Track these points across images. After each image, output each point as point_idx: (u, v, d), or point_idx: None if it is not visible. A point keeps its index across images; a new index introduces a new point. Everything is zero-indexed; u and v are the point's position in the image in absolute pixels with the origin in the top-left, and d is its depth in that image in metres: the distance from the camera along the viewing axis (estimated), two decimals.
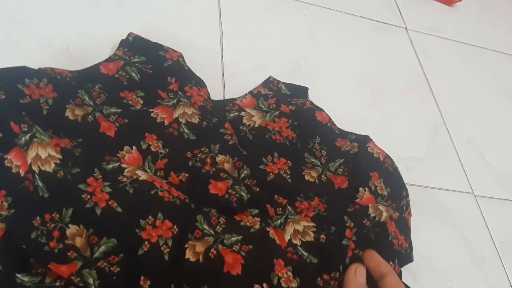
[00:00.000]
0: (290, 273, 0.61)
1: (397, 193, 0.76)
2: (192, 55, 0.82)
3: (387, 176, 0.77)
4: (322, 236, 0.67)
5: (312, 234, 0.67)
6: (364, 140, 0.81)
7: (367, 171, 0.76)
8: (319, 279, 0.62)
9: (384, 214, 0.69)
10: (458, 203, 0.88)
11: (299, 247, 0.65)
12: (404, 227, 0.74)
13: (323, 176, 0.74)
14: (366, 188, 0.73)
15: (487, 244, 0.84)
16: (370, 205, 0.70)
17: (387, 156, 0.80)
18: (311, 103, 0.86)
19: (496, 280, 0.80)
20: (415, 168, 0.87)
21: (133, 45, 0.78)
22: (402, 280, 0.67)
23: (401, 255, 0.69)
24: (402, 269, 0.69)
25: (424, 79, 1.09)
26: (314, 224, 0.68)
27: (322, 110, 0.85)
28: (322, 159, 0.76)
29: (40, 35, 0.76)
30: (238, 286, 0.57)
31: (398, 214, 0.74)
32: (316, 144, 0.78)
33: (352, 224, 0.68)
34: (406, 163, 0.86)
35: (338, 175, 0.75)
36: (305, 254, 0.64)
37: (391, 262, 0.65)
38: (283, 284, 0.59)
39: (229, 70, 0.87)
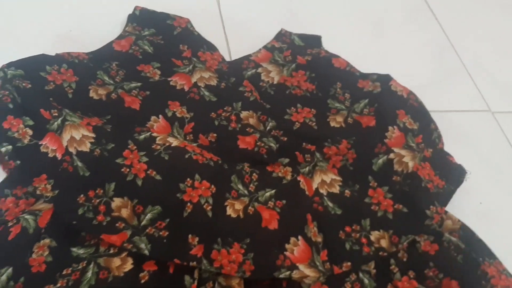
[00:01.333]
0: (316, 228, 0.62)
1: (426, 126, 0.76)
2: (192, 20, 0.82)
3: (413, 112, 0.76)
4: (347, 191, 0.68)
5: (338, 187, 0.68)
6: (385, 79, 0.80)
7: (393, 109, 0.76)
8: (341, 231, 0.63)
9: (410, 164, 0.69)
10: (476, 122, 0.88)
11: (325, 197, 0.66)
12: (442, 160, 0.74)
13: (349, 118, 0.75)
14: (394, 126, 0.73)
15: (509, 158, 0.84)
16: (394, 160, 0.70)
17: (411, 92, 0.80)
18: (326, 51, 0.85)
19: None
20: (427, 95, 0.84)
21: (141, 18, 0.79)
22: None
23: (439, 195, 0.69)
24: None
25: (426, 6, 1.06)
26: (341, 179, 0.69)
27: (338, 56, 0.84)
28: (346, 102, 0.77)
29: (41, 21, 0.78)
30: (276, 239, 0.59)
31: (431, 150, 0.74)
32: (338, 89, 0.78)
33: (376, 183, 0.68)
34: (417, 90, 0.85)
35: (365, 115, 0.75)
36: (330, 205, 0.65)
37: (432, 206, 0.66)
38: (312, 238, 0.61)
39: (230, 29, 0.87)
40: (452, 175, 0.71)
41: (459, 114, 0.88)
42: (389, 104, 0.76)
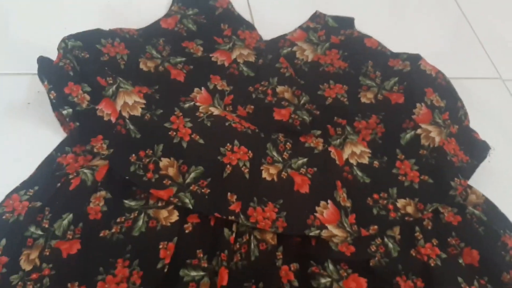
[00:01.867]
0: (345, 194, 0.67)
1: (453, 104, 0.79)
2: None
3: (441, 90, 0.80)
4: (375, 162, 0.72)
5: (367, 159, 0.72)
6: (415, 58, 0.83)
7: (422, 88, 0.79)
8: (369, 198, 0.68)
9: (437, 139, 0.73)
10: (487, 89, 0.92)
11: (354, 167, 0.70)
12: (467, 137, 0.77)
13: (379, 95, 0.79)
14: (422, 104, 0.76)
15: None
16: (421, 135, 0.73)
17: (439, 72, 0.83)
18: (359, 32, 0.89)
19: None
20: (441, 63, 0.86)
21: None
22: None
23: (463, 169, 0.72)
24: None
25: None
26: (370, 151, 0.73)
27: (370, 36, 0.88)
28: (377, 79, 0.80)
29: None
30: (307, 202, 0.64)
31: (457, 126, 0.77)
32: (370, 68, 0.82)
33: (403, 156, 0.72)
34: (430, 59, 0.86)
35: (394, 92, 0.79)
36: (359, 174, 0.70)
37: (456, 178, 0.70)
38: (341, 203, 0.66)
39: (256, 13, 0.92)
40: (476, 150, 0.74)
41: (470, 81, 0.91)
42: (417, 82, 0.79)
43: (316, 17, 0.91)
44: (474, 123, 0.80)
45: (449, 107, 0.78)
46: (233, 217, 0.60)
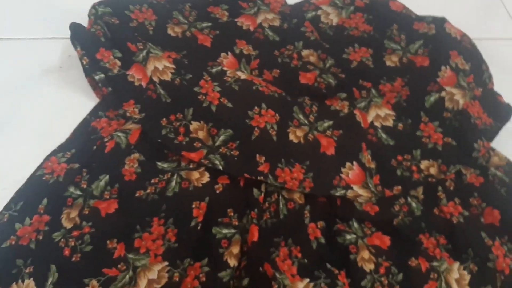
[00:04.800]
0: (369, 156, 0.68)
1: (477, 67, 0.79)
2: None
3: (466, 53, 0.79)
4: (400, 124, 0.73)
5: (391, 121, 0.73)
6: (440, 21, 0.83)
7: (447, 50, 0.79)
8: (393, 160, 0.69)
9: (461, 101, 0.73)
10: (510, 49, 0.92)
11: (379, 129, 0.72)
12: (490, 99, 0.77)
13: (404, 58, 0.79)
14: (447, 66, 0.76)
15: None
16: (446, 98, 0.73)
17: (464, 35, 0.82)
18: None
19: None
20: (465, 24, 0.86)
21: None
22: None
23: (487, 132, 0.73)
24: None
25: None
26: (394, 114, 0.74)
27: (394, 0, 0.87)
28: (402, 43, 0.80)
29: None
30: (333, 164, 0.66)
31: (481, 89, 0.77)
32: (394, 31, 0.82)
33: (427, 118, 0.73)
34: (454, 21, 0.85)
35: (419, 55, 0.79)
36: (384, 136, 0.71)
37: (479, 140, 0.71)
38: (366, 164, 0.67)
39: None
40: (500, 113, 0.75)
41: (493, 42, 0.91)
42: (442, 45, 0.79)
43: None
44: (499, 86, 0.80)
45: (474, 70, 0.78)
46: (261, 178, 0.62)
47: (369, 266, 0.60)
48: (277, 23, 0.80)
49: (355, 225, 0.63)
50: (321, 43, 0.78)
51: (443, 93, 0.74)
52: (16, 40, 0.75)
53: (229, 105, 0.67)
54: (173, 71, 0.68)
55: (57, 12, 0.77)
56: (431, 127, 0.72)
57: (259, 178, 0.62)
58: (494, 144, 0.74)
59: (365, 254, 0.60)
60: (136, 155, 0.63)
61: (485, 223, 0.66)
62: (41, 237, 0.56)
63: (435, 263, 0.62)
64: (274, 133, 0.66)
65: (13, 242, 0.56)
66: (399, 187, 0.66)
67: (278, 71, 0.74)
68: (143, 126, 0.64)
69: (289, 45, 0.77)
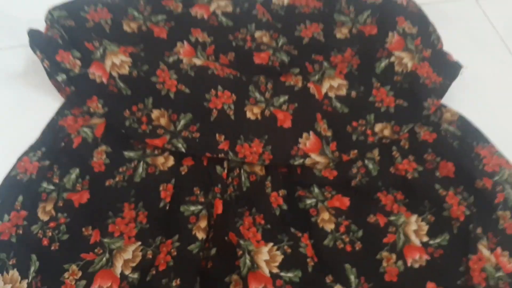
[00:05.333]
0: (325, 125, 0.72)
1: (424, 29, 0.82)
2: None
3: (412, 17, 0.83)
4: (353, 92, 0.76)
5: (345, 90, 0.76)
6: None
7: (393, 17, 0.82)
8: (348, 126, 0.73)
9: (409, 64, 0.77)
10: (461, 10, 0.96)
11: (333, 99, 0.75)
12: (440, 59, 0.81)
13: (353, 29, 0.82)
14: (394, 32, 0.80)
15: (491, 35, 0.94)
16: (395, 62, 0.77)
17: (410, 0, 0.86)
18: None
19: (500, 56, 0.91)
20: None
21: None
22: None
23: (436, 90, 0.76)
24: None
25: None
26: (347, 83, 0.77)
27: None
28: (351, 14, 0.84)
29: None
30: (290, 135, 0.70)
31: (430, 50, 0.81)
32: (343, 4, 0.85)
33: (379, 84, 0.76)
34: None
35: (368, 25, 0.82)
36: (338, 105, 0.74)
37: (429, 99, 0.74)
38: (322, 133, 0.71)
39: None
40: (449, 71, 0.78)
41: (445, 4, 0.95)
42: (389, 13, 0.82)
43: None
44: (451, 44, 0.83)
45: (421, 33, 0.81)
46: (222, 155, 0.66)
47: (329, 226, 0.64)
48: (229, 8, 0.83)
49: (316, 190, 0.67)
50: (273, 24, 0.81)
51: (392, 58, 0.77)
52: None
53: (187, 90, 0.71)
54: (130, 64, 0.71)
55: (14, 21, 0.80)
56: (383, 92, 0.76)
57: (220, 155, 0.66)
58: (447, 100, 0.77)
59: (325, 215, 0.64)
60: (103, 147, 0.67)
61: (441, 176, 0.70)
62: (21, 231, 0.60)
63: (392, 218, 0.66)
64: (231, 112, 0.70)
65: None
66: (355, 151, 0.70)
67: (233, 54, 0.78)
68: (107, 119, 0.68)
69: (242, 29, 0.80)
